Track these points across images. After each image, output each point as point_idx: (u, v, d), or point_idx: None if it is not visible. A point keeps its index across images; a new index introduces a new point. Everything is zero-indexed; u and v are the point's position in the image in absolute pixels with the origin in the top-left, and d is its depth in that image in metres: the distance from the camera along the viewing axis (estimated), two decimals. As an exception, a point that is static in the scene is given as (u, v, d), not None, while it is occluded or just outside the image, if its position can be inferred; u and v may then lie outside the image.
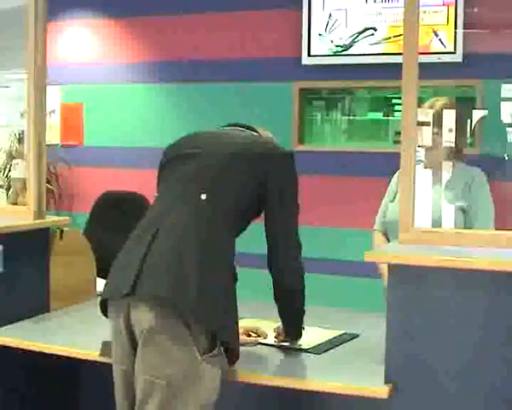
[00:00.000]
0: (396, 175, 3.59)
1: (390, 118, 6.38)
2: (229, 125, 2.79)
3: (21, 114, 3.45)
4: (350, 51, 6.12)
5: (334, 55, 6.16)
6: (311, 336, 2.90)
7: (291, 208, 2.59)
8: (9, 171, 6.14)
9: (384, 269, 3.21)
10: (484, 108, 5.67)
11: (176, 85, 6.86)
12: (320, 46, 6.20)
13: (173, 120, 6.69)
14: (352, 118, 6.61)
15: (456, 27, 5.68)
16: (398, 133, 2.72)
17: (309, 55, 6.23)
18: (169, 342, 2.34)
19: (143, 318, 2.37)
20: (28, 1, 3.36)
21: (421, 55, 2.60)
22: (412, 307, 2.43)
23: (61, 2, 6.84)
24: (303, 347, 2.82)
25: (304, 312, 2.74)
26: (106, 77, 7.15)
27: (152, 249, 2.41)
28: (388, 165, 3.40)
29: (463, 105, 3.46)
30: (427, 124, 2.76)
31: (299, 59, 6.25)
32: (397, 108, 6.21)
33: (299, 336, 2.81)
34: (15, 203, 3.54)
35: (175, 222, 2.45)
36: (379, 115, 6.49)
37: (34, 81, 3.37)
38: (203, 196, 2.46)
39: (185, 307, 2.33)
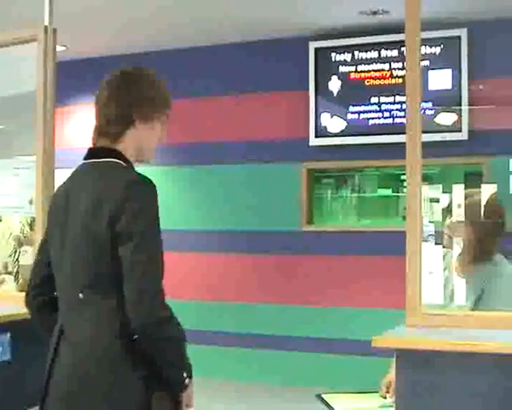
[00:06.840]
0: None
1: (400, 194, 6.40)
2: (91, 156, 2.28)
3: (30, 201, 3.45)
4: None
5: (342, 135, 6.25)
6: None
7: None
8: (18, 257, 6.13)
9: None
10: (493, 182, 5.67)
11: (182, 168, 6.95)
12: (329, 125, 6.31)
13: (181, 202, 6.73)
14: (361, 195, 6.63)
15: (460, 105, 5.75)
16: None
17: (316, 136, 6.31)
18: None
19: None
20: (37, 86, 3.37)
21: (426, 134, 2.63)
22: (419, 391, 2.39)
23: (69, 87, 6.93)
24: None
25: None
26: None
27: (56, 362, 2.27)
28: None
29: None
30: (436, 200, 2.78)
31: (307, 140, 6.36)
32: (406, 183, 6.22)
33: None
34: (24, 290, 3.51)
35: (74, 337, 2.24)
36: (388, 192, 6.52)
37: (42, 166, 3.36)
38: (81, 296, 2.21)
39: None
